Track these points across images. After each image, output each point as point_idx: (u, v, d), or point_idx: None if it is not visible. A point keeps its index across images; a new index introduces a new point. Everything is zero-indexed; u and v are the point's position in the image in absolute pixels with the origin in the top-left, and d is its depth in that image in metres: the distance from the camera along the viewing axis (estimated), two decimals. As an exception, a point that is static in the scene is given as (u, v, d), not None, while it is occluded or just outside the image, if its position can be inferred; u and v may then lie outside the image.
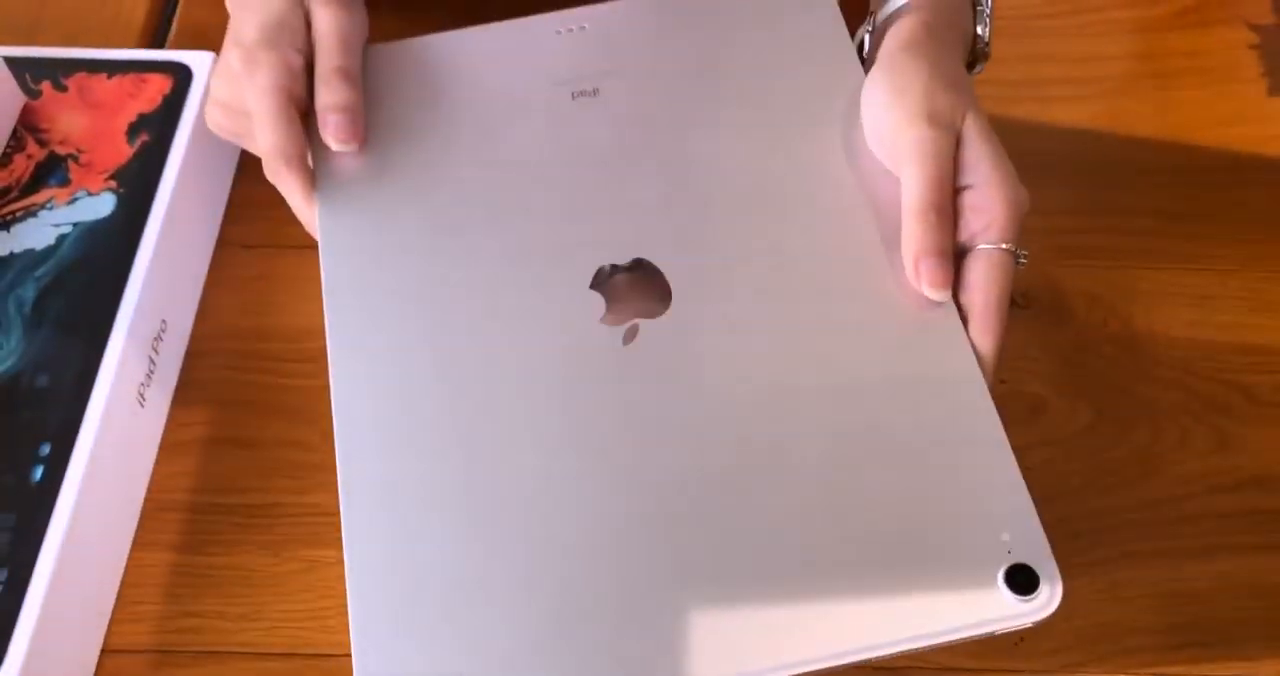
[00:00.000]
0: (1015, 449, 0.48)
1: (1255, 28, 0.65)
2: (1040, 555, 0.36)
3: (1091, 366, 0.51)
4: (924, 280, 0.40)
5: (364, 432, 0.39)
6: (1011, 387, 0.50)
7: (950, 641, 0.35)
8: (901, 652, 0.35)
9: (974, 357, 0.40)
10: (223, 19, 0.49)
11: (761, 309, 0.41)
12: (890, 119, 0.42)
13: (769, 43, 0.47)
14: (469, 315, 0.41)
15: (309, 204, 0.44)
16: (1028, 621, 0.36)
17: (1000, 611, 0.35)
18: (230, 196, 0.57)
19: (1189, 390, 0.50)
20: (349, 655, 0.44)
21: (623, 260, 0.42)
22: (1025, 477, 0.48)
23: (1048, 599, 0.36)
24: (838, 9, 0.48)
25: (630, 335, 0.41)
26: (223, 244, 0.56)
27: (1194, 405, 0.50)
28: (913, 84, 0.43)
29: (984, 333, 0.40)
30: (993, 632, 0.36)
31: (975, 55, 0.50)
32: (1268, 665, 0.43)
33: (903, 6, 0.47)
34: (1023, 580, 0.36)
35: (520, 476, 0.38)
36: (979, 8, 0.49)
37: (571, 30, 0.48)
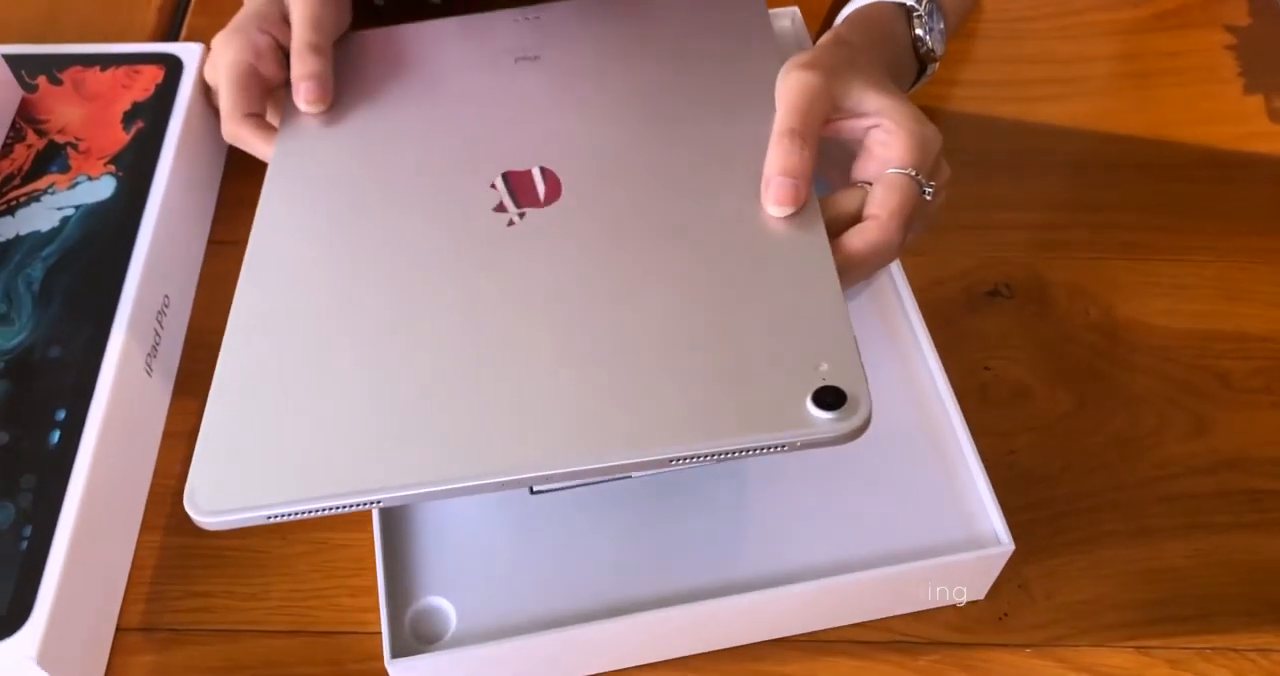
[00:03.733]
0: (1000, 434, 0.50)
1: (1233, 29, 0.66)
2: (855, 383, 0.37)
3: (1073, 354, 0.53)
4: (771, 197, 0.42)
5: (265, 278, 0.44)
6: (996, 375, 0.52)
7: (757, 449, 0.36)
8: (705, 458, 0.36)
9: (827, 244, 0.41)
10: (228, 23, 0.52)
11: (641, 210, 0.44)
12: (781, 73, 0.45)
13: (697, 26, 0.53)
14: (382, 209, 0.46)
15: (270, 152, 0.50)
16: (830, 434, 0.36)
17: (806, 427, 0.36)
18: (224, 193, 0.59)
19: (1167, 376, 0.52)
20: (354, 633, 0.46)
21: (526, 167, 0.46)
22: (1009, 461, 0.49)
23: (852, 414, 0.36)
24: (766, 10, 0.53)
25: (516, 220, 0.44)
26: (218, 239, 0.58)
27: (1172, 390, 0.51)
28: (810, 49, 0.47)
29: (863, 232, 0.42)
30: (797, 445, 0.36)
31: (922, 59, 0.52)
32: (1243, 638, 0.44)
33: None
34: (831, 399, 0.36)
35: (383, 317, 0.42)
36: (915, 13, 0.51)
37: (528, 19, 0.55)
